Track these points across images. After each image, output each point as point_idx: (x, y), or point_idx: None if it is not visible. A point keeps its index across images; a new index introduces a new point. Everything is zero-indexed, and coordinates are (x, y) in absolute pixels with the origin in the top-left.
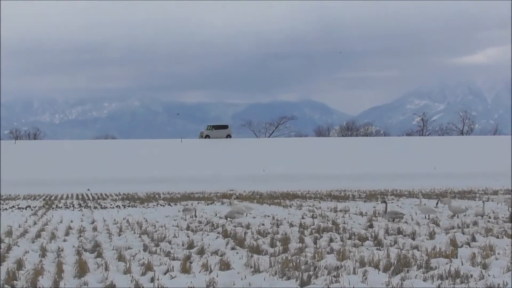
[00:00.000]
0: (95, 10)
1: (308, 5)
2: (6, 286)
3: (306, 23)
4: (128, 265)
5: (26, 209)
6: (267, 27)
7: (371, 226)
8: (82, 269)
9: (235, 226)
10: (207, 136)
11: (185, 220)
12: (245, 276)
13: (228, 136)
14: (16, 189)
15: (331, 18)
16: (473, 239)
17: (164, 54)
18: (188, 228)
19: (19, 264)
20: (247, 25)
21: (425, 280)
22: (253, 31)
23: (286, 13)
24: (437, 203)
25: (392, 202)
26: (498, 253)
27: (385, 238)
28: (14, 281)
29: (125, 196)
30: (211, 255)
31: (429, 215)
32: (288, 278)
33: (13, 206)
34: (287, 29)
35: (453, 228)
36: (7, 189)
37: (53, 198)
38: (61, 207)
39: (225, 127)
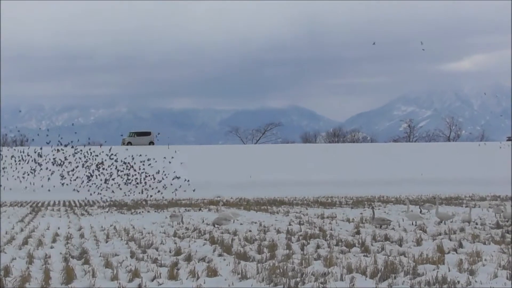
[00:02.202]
0: (82, 17)
1: (295, 11)
2: None
3: (293, 30)
4: (115, 272)
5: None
6: (255, 34)
7: (358, 232)
8: (69, 276)
9: (222, 233)
10: (129, 143)
11: (172, 226)
12: (233, 283)
13: (151, 143)
14: (2, 196)
15: (318, 25)
16: (460, 246)
17: (151, 61)
18: (175, 234)
19: (6, 271)
20: (234, 32)
21: (412, 286)
22: (241, 38)
23: (273, 20)
24: (420, 210)
25: (379, 209)
26: (485, 260)
27: (372, 245)
28: None
29: (112, 203)
30: (198, 262)
31: (416, 222)
32: (276, 285)
33: None
34: (274, 36)
35: (440, 234)
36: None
37: (40, 205)
38: (48, 214)
39: (147, 134)
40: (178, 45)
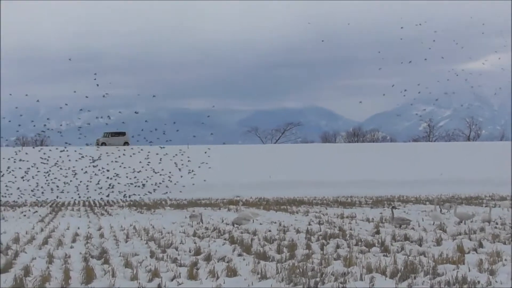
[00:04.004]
0: (98, 18)
1: (311, 12)
2: None
3: (310, 31)
4: (135, 272)
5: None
6: (271, 35)
7: (378, 232)
8: (89, 276)
9: (241, 233)
10: (103, 144)
11: (192, 226)
12: (252, 283)
13: (126, 143)
14: (23, 196)
15: (334, 26)
16: (480, 245)
17: (168, 62)
18: (195, 234)
19: (26, 271)
20: (252, 33)
21: (432, 286)
22: (258, 39)
23: (289, 22)
24: (440, 209)
25: (398, 209)
26: (505, 259)
27: (392, 245)
28: None
29: (131, 203)
30: (218, 262)
31: (435, 222)
32: (295, 285)
33: (21, 212)
34: (291, 37)
35: (460, 234)
36: (15, 196)
37: (60, 204)
38: (68, 214)
39: (122, 134)
40: (195, 45)
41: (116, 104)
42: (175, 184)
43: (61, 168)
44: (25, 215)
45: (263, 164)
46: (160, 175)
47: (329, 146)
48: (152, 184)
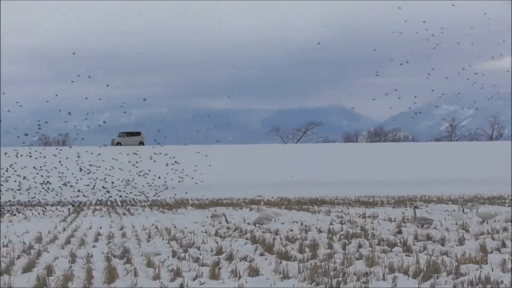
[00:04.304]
0: (122, 18)
1: (334, 11)
2: None
3: (332, 29)
4: (157, 271)
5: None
6: (294, 33)
7: (400, 232)
8: (111, 275)
9: (263, 232)
10: (118, 143)
11: (214, 226)
12: (274, 282)
13: (141, 143)
14: (45, 196)
15: (357, 25)
16: (503, 245)
17: (190, 61)
18: (216, 234)
19: (49, 270)
20: (273, 32)
21: (455, 286)
22: (280, 38)
23: (312, 19)
24: (462, 209)
25: (420, 208)
26: None
27: (414, 244)
28: (44, 287)
29: (153, 202)
30: (240, 261)
31: (458, 222)
32: (317, 284)
33: (42, 212)
34: (314, 35)
35: (482, 234)
36: (39, 195)
37: (82, 204)
38: (90, 213)
39: (137, 134)
40: (217, 45)
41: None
42: (196, 183)
43: (81, 169)
44: (46, 215)
45: (284, 163)
46: (186, 174)
47: (351, 145)
48: (173, 183)
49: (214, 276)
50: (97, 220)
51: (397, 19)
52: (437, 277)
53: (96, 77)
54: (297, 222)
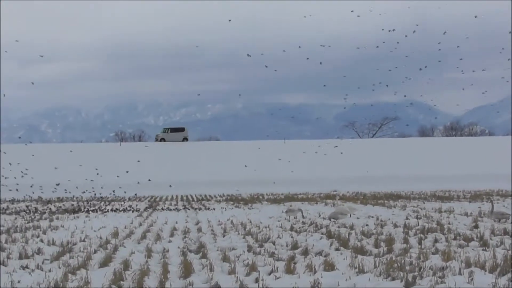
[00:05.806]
0: (195, 14)
1: (407, 4)
2: (113, 286)
3: (405, 23)
4: (232, 266)
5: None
6: (366, 28)
7: (476, 226)
8: (187, 270)
9: (338, 227)
10: (162, 139)
11: (289, 221)
12: (350, 277)
13: (185, 139)
14: (121, 191)
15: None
16: None
17: (264, 58)
18: (291, 229)
19: (126, 265)
20: (349, 27)
21: None
22: (352, 32)
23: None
24: None
25: (498, 203)
26: None
27: (491, 239)
28: (121, 281)
29: (229, 197)
30: (315, 256)
31: None
32: (393, 279)
33: (117, 209)
34: (386, 30)
35: None
36: (118, 192)
37: (157, 199)
38: (165, 208)
39: (181, 129)
40: (290, 40)
41: (214, 99)
42: (272, 179)
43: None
44: (123, 210)
45: (360, 158)
46: (260, 170)
47: (427, 140)
48: (247, 177)
49: (290, 270)
50: (173, 215)
51: (472, 13)
52: None
53: (171, 73)
54: (372, 216)
